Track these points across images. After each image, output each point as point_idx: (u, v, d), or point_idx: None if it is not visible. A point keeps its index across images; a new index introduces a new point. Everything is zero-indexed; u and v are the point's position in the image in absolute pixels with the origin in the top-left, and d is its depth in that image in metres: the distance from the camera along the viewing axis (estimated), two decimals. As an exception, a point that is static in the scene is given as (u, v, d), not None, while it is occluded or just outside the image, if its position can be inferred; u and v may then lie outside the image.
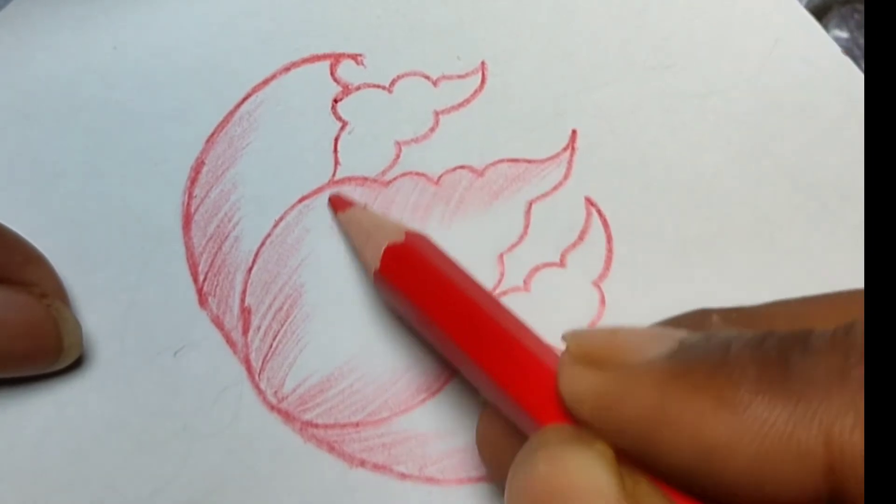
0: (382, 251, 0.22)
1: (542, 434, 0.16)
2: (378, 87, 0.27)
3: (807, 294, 0.24)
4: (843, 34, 0.29)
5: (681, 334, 0.15)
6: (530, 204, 0.26)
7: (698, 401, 0.13)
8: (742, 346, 0.14)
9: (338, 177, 0.26)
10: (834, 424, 0.12)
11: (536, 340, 0.18)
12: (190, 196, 0.26)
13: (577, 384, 0.15)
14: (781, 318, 0.17)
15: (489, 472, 0.20)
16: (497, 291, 0.25)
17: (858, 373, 0.13)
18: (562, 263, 0.25)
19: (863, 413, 0.12)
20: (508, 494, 0.15)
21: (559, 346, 0.17)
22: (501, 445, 0.19)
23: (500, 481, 0.20)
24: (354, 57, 0.27)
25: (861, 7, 0.29)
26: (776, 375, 0.13)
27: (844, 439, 0.12)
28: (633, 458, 0.15)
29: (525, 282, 0.25)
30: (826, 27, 0.29)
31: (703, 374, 0.14)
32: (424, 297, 0.20)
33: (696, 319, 0.19)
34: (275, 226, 0.26)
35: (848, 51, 0.28)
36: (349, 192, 0.26)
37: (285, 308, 0.25)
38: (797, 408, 0.13)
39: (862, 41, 0.29)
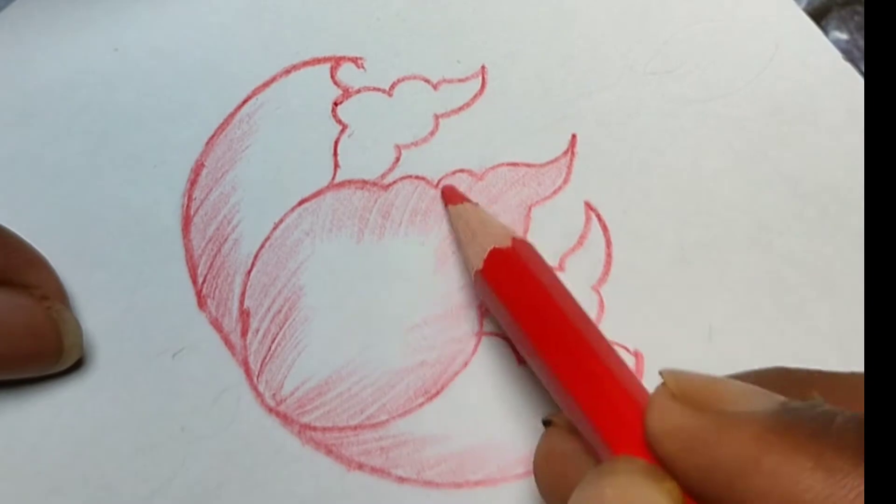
0: (487, 253, 0.22)
1: (613, 462, 0.16)
2: (378, 90, 0.27)
3: (806, 293, 0.24)
4: (843, 36, 0.29)
5: (783, 398, 0.15)
6: (530, 208, 0.26)
7: (798, 458, 0.14)
8: (847, 420, 0.14)
9: (337, 180, 0.26)
10: None
11: (626, 370, 0.18)
12: (189, 198, 0.26)
13: (670, 420, 0.16)
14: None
15: (542, 494, 0.20)
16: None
17: None
18: (561, 268, 0.25)
19: None
20: None
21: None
22: (562, 469, 0.19)
23: None
24: (355, 60, 0.27)
25: (861, 9, 0.29)
26: None
27: None
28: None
29: (524, 286, 0.25)
30: (826, 29, 0.29)
31: (805, 436, 0.14)
32: (520, 305, 0.21)
33: (775, 377, 0.19)
34: (274, 228, 0.26)
35: (848, 53, 0.28)
36: (349, 195, 0.26)
37: (284, 310, 0.25)
38: None
39: (862, 43, 0.29)
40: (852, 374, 0.18)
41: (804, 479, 0.13)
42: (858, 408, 0.15)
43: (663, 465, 0.15)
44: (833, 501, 0.13)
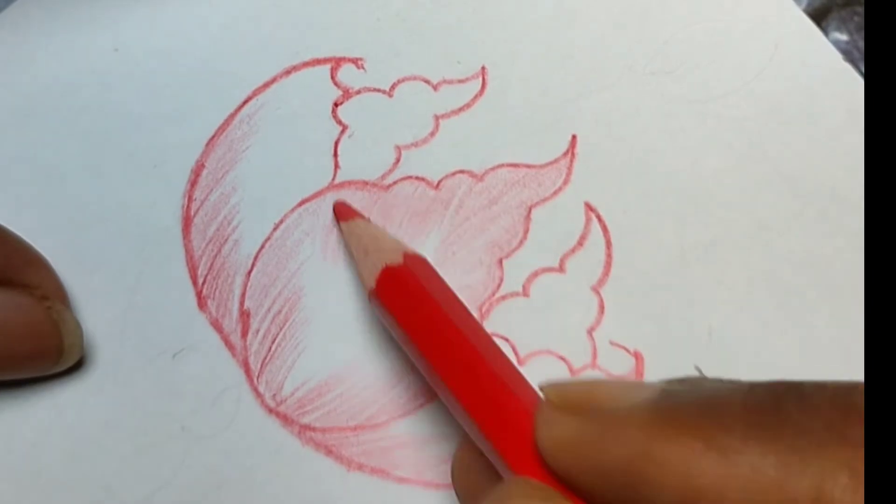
0: (379, 271, 0.22)
1: (507, 487, 0.15)
2: (378, 90, 0.27)
3: (806, 293, 0.24)
4: (843, 37, 0.29)
5: (664, 383, 0.15)
6: (530, 209, 0.26)
7: (686, 443, 0.13)
8: (731, 392, 0.14)
9: (337, 180, 0.26)
10: (826, 480, 0.12)
11: (523, 384, 0.18)
12: (190, 199, 0.26)
13: (556, 431, 0.15)
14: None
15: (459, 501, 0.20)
16: (496, 296, 0.25)
17: (857, 433, 0.12)
18: (561, 269, 0.25)
19: (857, 473, 0.12)
20: None
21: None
22: (475, 481, 0.19)
23: None
24: (355, 61, 0.27)
25: (861, 10, 0.29)
26: (768, 423, 0.13)
27: (836, 496, 0.12)
28: None
29: (524, 287, 0.25)
30: (826, 30, 0.29)
31: (690, 418, 0.13)
32: (414, 323, 0.20)
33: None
34: (274, 229, 0.26)
35: (848, 53, 0.28)
36: (349, 195, 0.26)
37: (284, 311, 0.25)
38: (790, 458, 0.12)
39: (862, 44, 0.29)
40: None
41: (696, 462, 0.13)
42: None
43: (561, 478, 0.15)
44: (728, 482, 0.12)
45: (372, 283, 0.22)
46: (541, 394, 0.17)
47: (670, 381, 0.15)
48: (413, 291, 0.21)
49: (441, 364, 0.19)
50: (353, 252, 0.24)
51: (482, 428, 0.17)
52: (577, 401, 0.15)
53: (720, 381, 0.14)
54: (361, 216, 0.24)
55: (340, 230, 0.25)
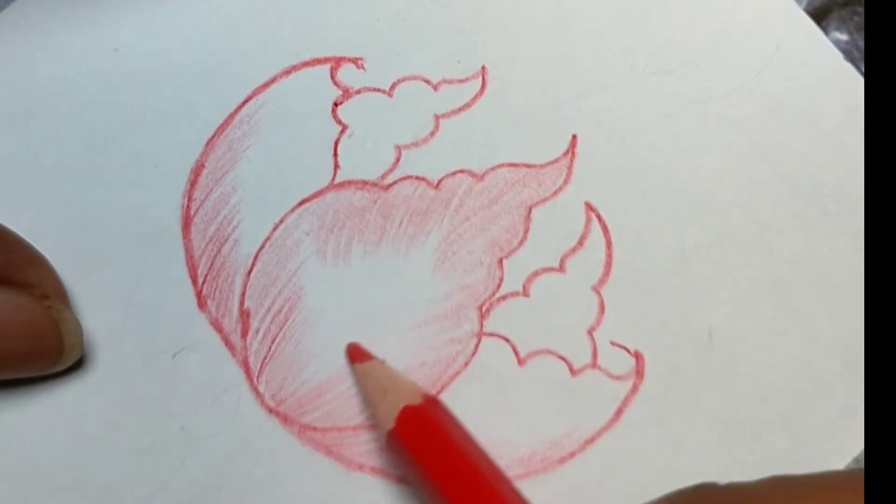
0: (398, 412, 0.22)
1: None
2: (378, 90, 0.27)
3: (806, 293, 0.24)
4: (843, 37, 0.29)
5: None
6: (530, 209, 0.26)
7: None
8: None
9: (337, 180, 0.26)
10: None
11: None
12: (190, 198, 0.26)
13: None
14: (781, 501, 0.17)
15: None
16: (496, 296, 0.25)
17: None
18: (561, 269, 0.25)
19: None
20: None
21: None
22: None
23: None
24: (355, 61, 0.27)
25: (861, 9, 0.29)
26: None
27: None
28: None
29: (524, 287, 0.25)
30: (826, 30, 0.28)
31: None
32: (435, 464, 0.21)
33: (699, 500, 0.18)
34: (274, 229, 0.26)
35: (848, 53, 0.28)
36: (349, 195, 0.26)
37: (284, 311, 0.25)
38: None
39: (862, 43, 0.29)
40: (769, 485, 0.17)
41: None
42: None
43: None
44: None
45: (391, 424, 0.22)
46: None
47: None
48: (434, 432, 0.21)
49: None
50: (370, 393, 0.23)
51: None
52: None
53: None
54: (375, 357, 0.24)
55: (355, 372, 0.24)
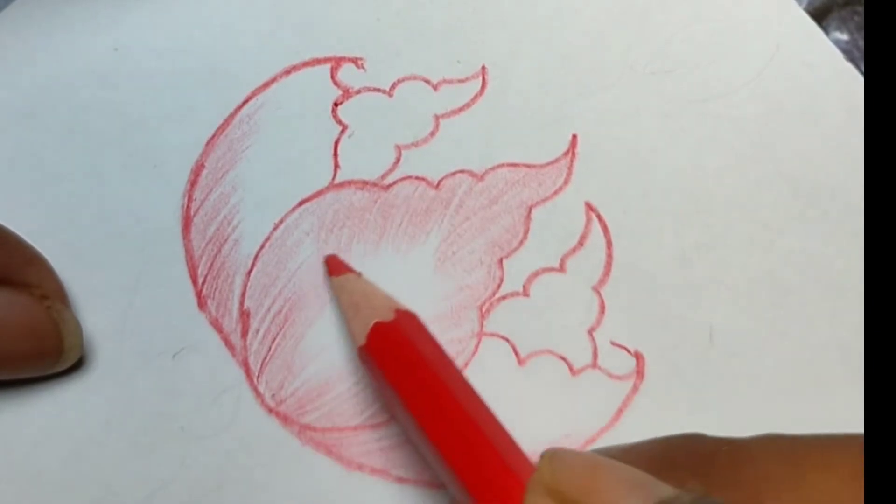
0: (370, 328, 0.21)
1: None
2: (378, 90, 0.27)
3: (806, 293, 0.24)
4: (843, 36, 0.29)
5: (661, 491, 0.15)
6: (530, 209, 0.26)
7: None
8: None
9: (337, 180, 0.26)
10: None
11: (516, 451, 0.18)
12: (189, 198, 0.26)
13: None
14: (772, 459, 0.17)
15: None
16: (496, 296, 0.25)
17: None
18: (562, 269, 0.25)
19: None
20: None
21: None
22: None
23: None
24: (355, 60, 0.27)
25: (861, 9, 0.29)
26: None
27: None
28: None
29: (525, 287, 0.25)
30: (826, 30, 0.28)
31: None
32: (405, 383, 0.20)
33: (680, 450, 0.18)
34: (274, 229, 0.26)
35: (848, 53, 0.28)
36: (349, 195, 0.26)
37: (284, 311, 0.25)
38: None
39: (862, 43, 0.29)
40: (760, 441, 0.18)
41: None
42: (762, 481, 0.14)
43: None
44: None
45: (362, 340, 0.21)
46: (531, 459, 0.17)
47: (666, 495, 0.15)
48: (403, 350, 0.21)
49: (429, 424, 0.19)
50: (344, 307, 0.23)
51: (472, 494, 0.18)
52: (571, 492, 0.15)
53: (709, 501, 0.15)
54: (353, 270, 0.24)
55: (331, 285, 0.24)
